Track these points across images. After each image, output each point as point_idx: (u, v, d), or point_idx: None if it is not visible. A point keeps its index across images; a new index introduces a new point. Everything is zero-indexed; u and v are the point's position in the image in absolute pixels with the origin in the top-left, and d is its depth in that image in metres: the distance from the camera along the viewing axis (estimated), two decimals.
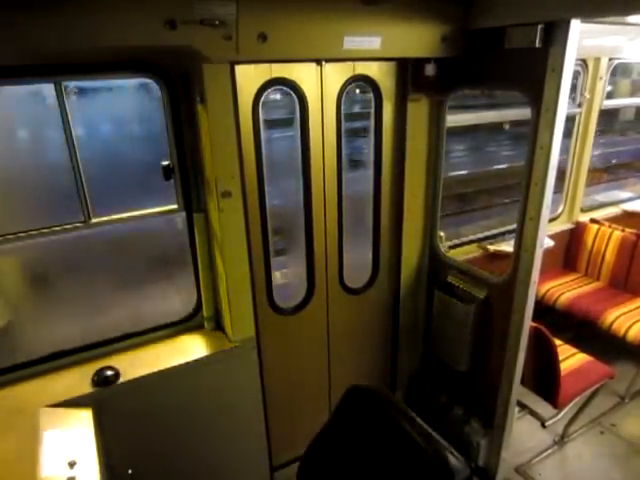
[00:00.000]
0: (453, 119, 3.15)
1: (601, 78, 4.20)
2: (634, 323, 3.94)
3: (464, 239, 3.95)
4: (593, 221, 4.71)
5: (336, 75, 2.69)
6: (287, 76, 2.54)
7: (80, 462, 1.90)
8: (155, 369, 2.54)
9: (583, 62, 4.06)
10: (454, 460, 1.58)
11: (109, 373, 2.46)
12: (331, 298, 3.16)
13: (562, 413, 3.40)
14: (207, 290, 2.79)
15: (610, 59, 4.20)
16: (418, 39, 2.56)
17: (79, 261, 2.90)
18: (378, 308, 3.44)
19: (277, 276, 3.12)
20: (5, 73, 2.09)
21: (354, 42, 2.39)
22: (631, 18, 3.12)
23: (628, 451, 3.57)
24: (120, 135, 3.16)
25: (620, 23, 3.35)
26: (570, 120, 4.25)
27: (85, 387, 2.41)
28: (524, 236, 2.63)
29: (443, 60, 2.74)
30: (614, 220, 4.78)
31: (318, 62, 2.59)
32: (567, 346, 3.64)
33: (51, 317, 2.84)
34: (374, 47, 2.45)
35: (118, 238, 2.94)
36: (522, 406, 3.54)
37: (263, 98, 2.51)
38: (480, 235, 4.04)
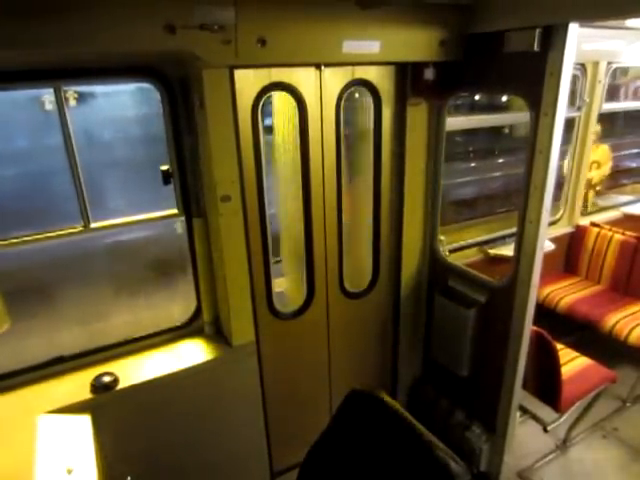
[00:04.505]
0: (452, 123, 3.14)
1: (600, 82, 4.21)
2: (635, 326, 3.92)
3: (464, 243, 3.95)
4: (593, 224, 4.70)
5: (335, 79, 2.69)
6: (286, 80, 2.54)
7: (78, 469, 1.89)
8: (154, 375, 2.53)
9: (582, 66, 4.07)
10: (455, 465, 1.57)
11: (108, 379, 2.45)
12: (331, 303, 3.15)
13: (564, 417, 3.38)
14: (207, 294, 2.78)
15: (609, 63, 4.21)
16: (417, 43, 2.56)
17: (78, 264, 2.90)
18: (378, 313, 3.43)
19: None
20: (4, 78, 2.09)
21: (353, 46, 2.40)
22: (629, 22, 3.13)
23: (631, 455, 3.55)
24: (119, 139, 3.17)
25: (618, 27, 3.36)
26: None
27: (84, 393, 2.40)
28: (524, 240, 2.62)
29: (442, 64, 2.74)
30: (614, 223, 4.77)
31: (317, 66, 2.59)
32: (568, 350, 3.62)
33: (49, 323, 2.84)
34: (373, 51, 2.46)
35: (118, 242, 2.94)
36: (524, 410, 3.53)
37: (262, 102, 2.51)
38: (480, 239, 4.04)
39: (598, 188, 4.81)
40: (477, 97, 4.31)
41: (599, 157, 4.89)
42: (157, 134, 2.48)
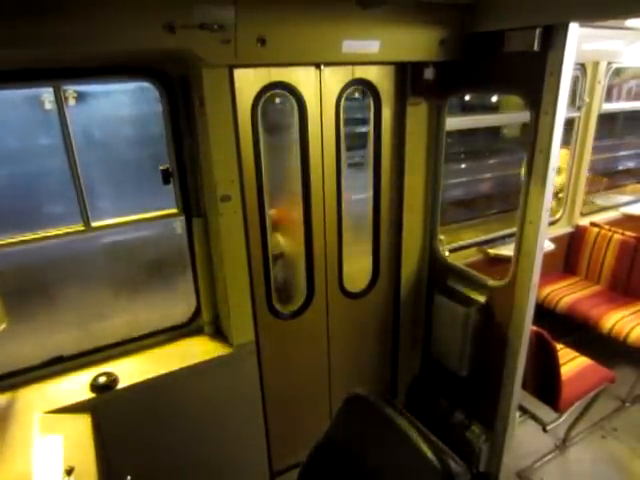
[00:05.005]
0: (448, 123, 3.13)
1: (600, 82, 4.21)
2: (635, 326, 3.92)
3: (463, 243, 3.95)
4: (593, 224, 4.71)
5: (335, 79, 2.69)
6: (286, 80, 2.54)
7: (78, 469, 1.88)
8: (154, 374, 2.52)
9: (582, 66, 4.07)
10: (455, 465, 1.57)
11: (108, 379, 2.45)
12: (331, 302, 3.15)
13: (563, 417, 3.38)
14: (206, 294, 2.78)
15: (609, 63, 4.21)
16: (416, 43, 2.56)
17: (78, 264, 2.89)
18: (378, 312, 3.43)
19: None
20: (4, 77, 2.09)
21: (353, 46, 2.40)
22: (629, 22, 3.13)
23: (630, 455, 3.55)
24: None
25: (618, 27, 3.36)
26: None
27: (84, 393, 2.40)
28: (524, 240, 2.62)
29: (442, 64, 2.74)
30: (614, 223, 4.77)
31: (317, 66, 2.59)
32: (568, 350, 3.63)
33: (48, 323, 2.84)
34: (373, 51, 2.46)
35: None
36: (523, 410, 3.53)
37: (262, 102, 2.51)
38: (480, 239, 4.04)
39: (560, 195, 4.61)
40: (467, 97, 4.29)
41: (560, 163, 4.76)
42: (160, 133, 2.49)
